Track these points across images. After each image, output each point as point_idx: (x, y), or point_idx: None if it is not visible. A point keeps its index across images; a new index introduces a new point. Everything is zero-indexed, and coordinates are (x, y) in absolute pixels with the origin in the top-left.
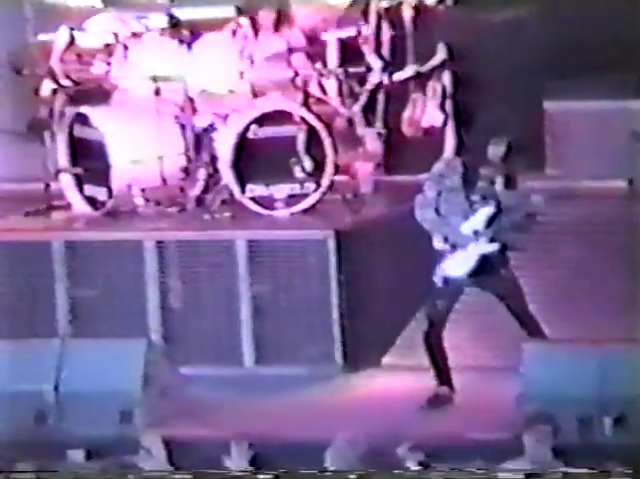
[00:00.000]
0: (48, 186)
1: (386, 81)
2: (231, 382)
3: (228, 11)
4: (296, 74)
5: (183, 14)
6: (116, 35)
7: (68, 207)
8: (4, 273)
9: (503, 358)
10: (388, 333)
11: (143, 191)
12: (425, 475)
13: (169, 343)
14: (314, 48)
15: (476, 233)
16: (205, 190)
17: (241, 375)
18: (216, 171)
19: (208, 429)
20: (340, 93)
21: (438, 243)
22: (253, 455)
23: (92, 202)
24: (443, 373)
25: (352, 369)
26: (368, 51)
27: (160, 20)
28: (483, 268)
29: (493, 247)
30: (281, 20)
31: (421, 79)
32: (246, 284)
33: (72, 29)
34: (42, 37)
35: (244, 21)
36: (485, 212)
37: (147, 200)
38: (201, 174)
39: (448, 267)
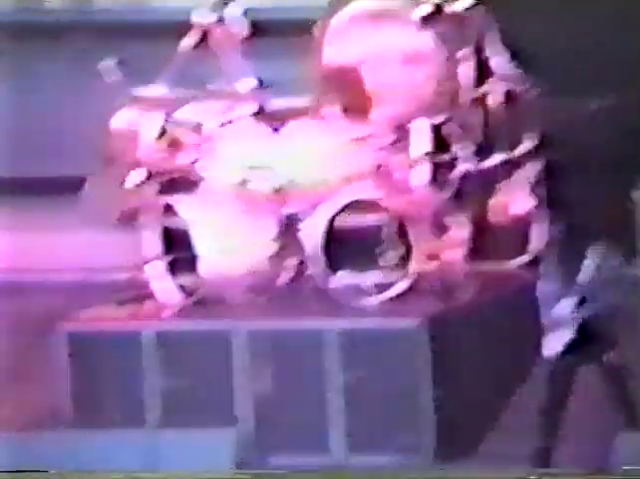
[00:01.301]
0: (138, 275)
1: (474, 168)
2: (322, 471)
3: (315, 99)
4: (383, 162)
5: (272, 103)
6: (203, 125)
7: (158, 296)
8: (93, 363)
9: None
10: (482, 421)
11: (231, 279)
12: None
13: (259, 433)
14: (401, 136)
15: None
16: (294, 278)
17: (331, 465)
18: (305, 259)
19: None
20: (428, 180)
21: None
22: None
23: (181, 290)
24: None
25: (446, 459)
26: (456, 138)
27: (249, 109)
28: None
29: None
30: (367, 108)
31: (510, 166)
32: (336, 373)
33: (164, 118)
34: (132, 127)
35: (332, 109)
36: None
37: (235, 288)
38: (290, 262)
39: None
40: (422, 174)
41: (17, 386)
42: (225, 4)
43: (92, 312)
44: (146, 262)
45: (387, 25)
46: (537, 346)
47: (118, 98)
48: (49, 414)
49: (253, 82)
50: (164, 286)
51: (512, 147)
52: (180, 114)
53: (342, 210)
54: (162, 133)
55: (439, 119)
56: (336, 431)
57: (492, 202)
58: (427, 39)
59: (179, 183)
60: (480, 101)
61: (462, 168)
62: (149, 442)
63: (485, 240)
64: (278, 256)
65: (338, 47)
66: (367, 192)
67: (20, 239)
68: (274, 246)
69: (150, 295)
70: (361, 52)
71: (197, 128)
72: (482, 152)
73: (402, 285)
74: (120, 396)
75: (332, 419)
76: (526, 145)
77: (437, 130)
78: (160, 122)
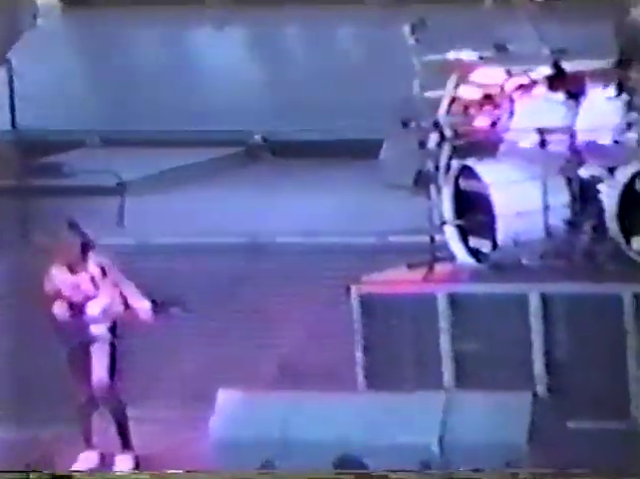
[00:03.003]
0: (433, 238)
1: None
2: (619, 437)
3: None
4: None
5: (569, 66)
6: (502, 87)
7: (452, 259)
8: (389, 325)
9: None
10: None
11: (527, 243)
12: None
13: (556, 396)
14: None
15: None
16: (591, 242)
17: (629, 430)
18: (602, 223)
19: None
20: None
21: None
22: None
23: (476, 254)
24: None
25: None
26: None
27: (545, 72)
28: None
29: None
30: None
31: None
32: (633, 338)
33: (458, 82)
34: (429, 93)
35: (635, 74)
36: None
37: (531, 252)
38: (587, 226)
39: None
40: None
41: (309, 346)
42: None
43: (383, 275)
44: (440, 226)
45: None
46: None
47: (414, 62)
48: (340, 375)
49: (550, 46)
50: (458, 250)
51: None
52: (478, 76)
53: None
54: (459, 95)
55: None
56: (634, 396)
57: None
58: None
59: (479, 145)
60: None
61: None
62: (445, 404)
63: None
64: (576, 219)
65: None
66: None
67: (314, 202)
68: (572, 209)
69: (442, 259)
70: None
71: (496, 90)
72: None
73: None
74: (415, 358)
75: (632, 384)
76: None
77: None
78: (457, 84)
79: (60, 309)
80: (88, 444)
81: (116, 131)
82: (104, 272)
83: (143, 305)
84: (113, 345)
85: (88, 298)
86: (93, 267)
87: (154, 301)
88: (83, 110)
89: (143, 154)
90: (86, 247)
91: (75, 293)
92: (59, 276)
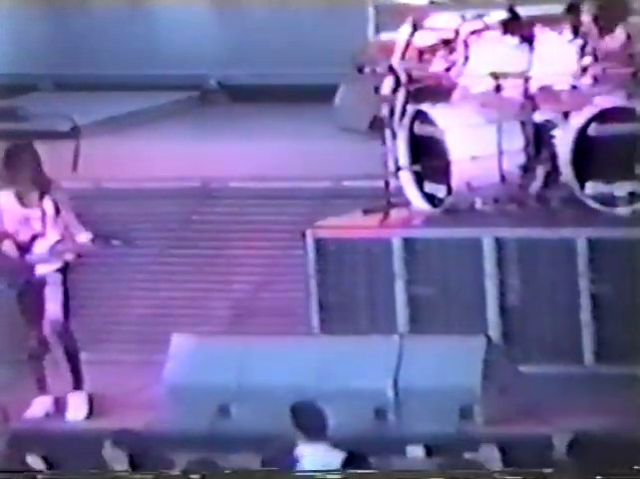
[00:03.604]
0: (388, 183)
1: None
2: (571, 381)
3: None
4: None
5: (524, 11)
6: (456, 32)
7: (407, 204)
8: (343, 270)
9: None
10: None
11: (481, 187)
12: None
13: (508, 341)
14: None
15: None
16: (545, 187)
17: (582, 374)
18: (556, 168)
19: (546, 428)
20: None
21: None
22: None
23: (431, 199)
24: None
25: None
26: None
27: (500, 16)
28: None
29: None
30: (621, 15)
31: None
32: (586, 282)
33: (413, 27)
34: (383, 36)
35: (586, 18)
36: None
37: (485, 197)
38: (541, 171)
39: None
40: None
41: (264, 291)
42: None
43: (339, 220)
44: (395, 171)
45: None
46: None
47: (369, 6)
48: (294, 321)
49: None
50: (413, 195)
51: None
52: (433, 21)
53: (597, 118)
54: (414, 40)
55: None
56: (587, 340)
57: None
58: None
59: (433, 90)
60: None
61: None
62: (399, 348)
63: None
64: (530, 164)
65: None
66: (623, 100)
67: (268, 146)
68: (526, 154)
69: (398, 204)
70: None
71: (451, 35)
72: None
73: None
74: (370, 302)
75: (583, 329)
76: None
77: None
78: (412, 29)
79: (8, 248)
80: (41, 389)
81: (70, 75)
82: (57, 211)
83: (84, 238)
84: (65, 286)
85: (35, 236)
86: (48, 205)
87: (96, 235)
88: (36, 54)
89: (97, 98)
90: (44, 184)
91: (23, 230)
92: (10, 211)
